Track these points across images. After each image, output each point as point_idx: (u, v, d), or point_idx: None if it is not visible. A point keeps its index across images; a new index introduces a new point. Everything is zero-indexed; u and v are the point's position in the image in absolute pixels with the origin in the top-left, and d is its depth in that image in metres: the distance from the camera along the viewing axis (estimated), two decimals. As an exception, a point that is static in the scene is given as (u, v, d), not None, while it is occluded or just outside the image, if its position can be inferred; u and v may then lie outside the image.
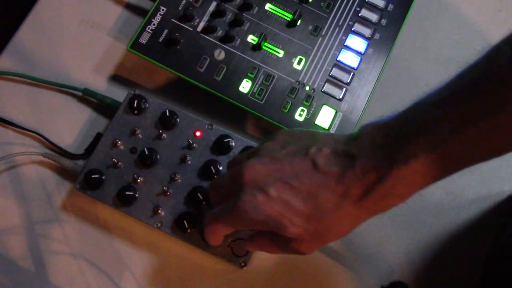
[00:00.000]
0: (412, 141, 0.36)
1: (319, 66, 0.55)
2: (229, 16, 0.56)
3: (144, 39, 0.54)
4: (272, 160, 0.41)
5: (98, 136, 0.54)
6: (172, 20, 0.55)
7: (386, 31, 0.56)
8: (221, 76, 0.54)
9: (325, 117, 0.53)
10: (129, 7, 0.60)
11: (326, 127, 0.53)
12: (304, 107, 0.53)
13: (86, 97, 0.56)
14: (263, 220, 0.40)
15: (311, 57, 0.55)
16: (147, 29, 0.55)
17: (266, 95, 0.53)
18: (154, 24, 0.55)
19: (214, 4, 0.56)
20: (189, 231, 0.49)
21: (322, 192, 0.39)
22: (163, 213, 0.50)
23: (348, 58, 0.55)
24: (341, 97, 0.54)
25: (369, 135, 0.39)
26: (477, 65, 0.37)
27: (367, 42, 0.56)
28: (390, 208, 0.38)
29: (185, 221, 0.49)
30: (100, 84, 0.57)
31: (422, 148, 0.36)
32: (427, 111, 0.36)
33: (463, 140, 0.35)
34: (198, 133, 0.53)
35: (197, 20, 0.56)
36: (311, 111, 0.53)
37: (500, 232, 0.52)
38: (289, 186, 0.39)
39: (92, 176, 0.51)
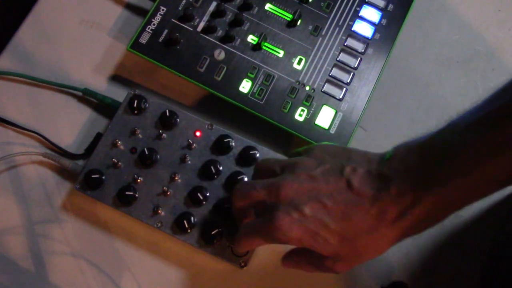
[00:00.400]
0: (447, 165, 0.36)
1: (319, 66, 0.55)
2: (229, 16, 0.56)
3: (144, 39, 0.54)
4: (308, 178, 0.41)
5: (98, 136, 0.54)
6: (172, 20, 0.55)
7: (386, 31, 0.56)
8: (221, 76, 0.54)
9: (325, 117, 0.53)
10: (129, 7, 0.60)
11: (326, 127, 0.53)
12: (304, 107, 0.53)
13: (86, 97, 0.56)
14: (298, 237, 0.40)
15: (311, 57, 0.55)
16: (147, 29, 0.55)
17: (266, 95, 0.53)
18: (154, 24, 0.55)
19: (214, 4, 0.56)
20: (189, 231, 0.49)
21: (356, 212, 0.39)
22: (163, 213, 0.50)
23: (348, 58, 0.55)
24: (341, 97, 0.54)
25: (403, 156, 0.39)
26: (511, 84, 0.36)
27: (367, 42, 0.56)
28: (425, 230, 0.38)
29: (185, 221, 0.49)
30: (100, 84, 0.57)
31: (457, 171, 0.36)
32: (461, 134, 0.36)
33: (498, 163, 0.35)
34: (198, 133, 0.53)
35: (197, 20, 0.56)
36: (311, 111, 0.53)
37: (499, 231, 0.52)
38: (324, 205, 0.40)
39: (92, 176, 0.51)
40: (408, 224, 0.38)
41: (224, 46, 0.55)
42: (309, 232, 0.40)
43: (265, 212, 0.42)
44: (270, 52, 0.55)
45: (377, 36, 0.56)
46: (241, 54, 0.55)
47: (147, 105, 0.53)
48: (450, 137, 0.37)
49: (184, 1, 0.56)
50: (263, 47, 0.55)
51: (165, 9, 0.56)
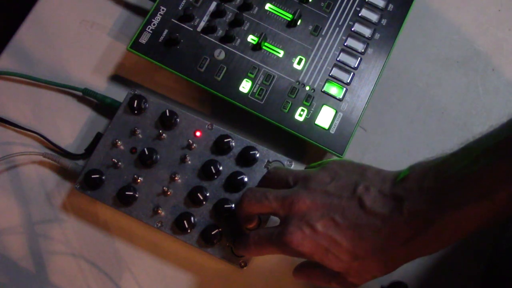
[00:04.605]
0: (461, 190, 0.36)
1: (319, 66, 0.55)
2: (229, 16, 0.56)
3: (144, 39, 0.54)
4: (322, 194, 0.42)
5: (98, 136, 0.54)
6: (172, 20, 0.55)
7: (386, 31, 0.56)
8: (221, 76, 0.54)
9: (325, 117, 0.53)
10: (129, 7, 0.60)
11: (326, 127, 0.53)
12: (304, 107, 0.53)
13: (86, 97, 0.56)
14: (309, 252, 0.41)
15: (311, 57, 0.55)
16: (147, 29, 0.55)
17: (266, 95, 0.53)
18: (154, 24, 0.55)
19: (214, 4, 0.56)
20: (189, 231, 0.49)
21: (368, 232, 0.39)
22: (163, 213, 0.50)
23: (348, 58, 0.55)
24: (341, 97, 0.54)
25: (418, 177, 0.39)
26: None
27: (367, 42, 0.56)
28: (435, 252, 0.39)
29: (185, 221, 0.49)
30: (100, 84, 0.57)
31: (471, 197, 0.36)
32: (477, 159, 0.36)
33: None
34: (198, 133, 0.53)
35: (197, 20, 0.56)
36: (311, 111, 0.53)
37: (500, 237, 0.52)
38: (335, 223, 0.40)
39: (92, 176, 0.51)
40: (419, 245, 0.38)
41: (224, 46, 0.55)
42: (320, 248, 0.41)
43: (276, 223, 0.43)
44: (270, 52, 0.55)
45: (377, 36, 0.56)
46: (241, 54, 0.55)
47: (147, 105, 0.53)
48: (466, 161, 0.37)
49: (184, 1, 0.56)
50: (263, 47, 0.55)
51: (165, 9, 0.56)
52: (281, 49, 0.55)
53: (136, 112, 0.53)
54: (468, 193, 0.36)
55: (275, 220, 0.50)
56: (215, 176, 0.51)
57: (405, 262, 0.40)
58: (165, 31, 0.55)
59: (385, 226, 0.39)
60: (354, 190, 0.41)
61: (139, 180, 0.51)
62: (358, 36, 0.56)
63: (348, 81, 0.54)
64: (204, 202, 0.50)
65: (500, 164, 0.35)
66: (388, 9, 0.57)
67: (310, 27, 0.56)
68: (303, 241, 0.41)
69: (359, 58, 0.55)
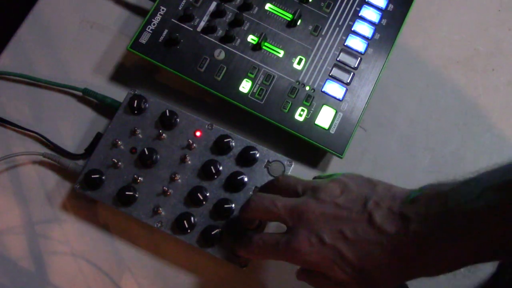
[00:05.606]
0: (464, 223, 0.36)
1: (319, 66, 0.55)
2: (229, 16, 0.56)
3: (144, 39, 0.54)
4: (332, 206, 0.42)
5: (98, 136, 0.54)
6: (172, 20, 0.55)
7: (386, 31, 0.56)
8: (221, 76, 0.54)
9: (325, 117, 0.53)
10: (129, 7, 0.60)
11: (326, 127, 0.53)
12: (304, 107, 0.53)
13: (86, 97, 0.56)
14: (314, 263, 0.41)
15: (311, 57, 0.55)
16: (147, 29, 0.55)
17: (266, 95, 0.53)
18: (154, 24, 0.55)
19: (214, 4, 0.56)
20: (189, 231, 0.49)
21: (374, 248, 0.40)
22: (163, 213, 0.50)
23: (348, 58, 0.55)
24: (341, 97, 0.54)
25: (426, 201, 0.39)
26: None
27: (367, 42, 0.56)
28: (438, 275, 0.39)
29: (185, 221, 0.49)
30: (100, 84, 0.57)
31: (473, 231, 0.36)
32: (483, 193, 0.36)
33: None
34: (198, 133, 0.53)
35: (197, 20, 0.56)
36: (311, 111, 0.53)
37: (504, 267, 0.51)
38: (344, 236, 0.41)
39: (92, 176, 0.51)
40: (421, 266, 0.39)
41: (224, 46, 0.55)
42: (327, 260, 0.41)
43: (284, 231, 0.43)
44: (270, 52, 0.55)
45: (377, 36, 0.56)
46: (241, 54, 0.55)
47: (147, 105, 0.53)
48: (473, 195, 0.37)
49: (184, 1, 0.56)
50: (263, 47, 0.55)
51: (165, 9, 0.56)
52: (281, 49, 0.55)
53: (136, 112, 0.53)
54: (471, 226, 0.36)
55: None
56: (215, 176, 0.51)
57: (408, 279, 0.40)
58: (165, 31, 0.55)
59: (391, 244, 0.39)
60: (365, 204, 0.41)
61: (139, 180, 0.51)
62: (358, 36, 0.56)
63: (348, 81, 0.54)
64: (204, 202, 0.50)
65: (504, 203, 0.35)
66: (388, 9, 0.57)
67: (310, 27, 0.56)
68: (310, 251, 0.41)
69: (359, 58, 0.55)
